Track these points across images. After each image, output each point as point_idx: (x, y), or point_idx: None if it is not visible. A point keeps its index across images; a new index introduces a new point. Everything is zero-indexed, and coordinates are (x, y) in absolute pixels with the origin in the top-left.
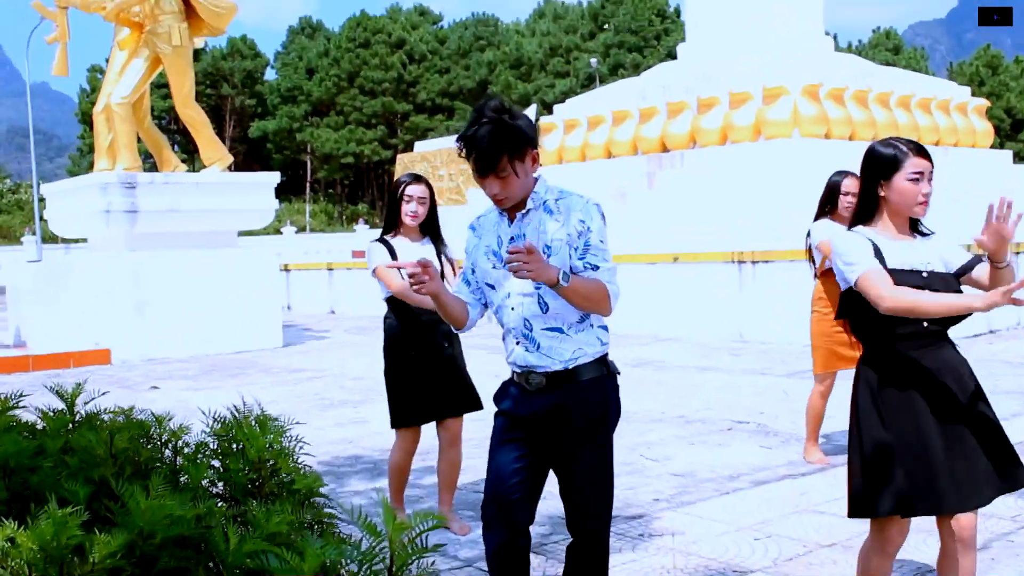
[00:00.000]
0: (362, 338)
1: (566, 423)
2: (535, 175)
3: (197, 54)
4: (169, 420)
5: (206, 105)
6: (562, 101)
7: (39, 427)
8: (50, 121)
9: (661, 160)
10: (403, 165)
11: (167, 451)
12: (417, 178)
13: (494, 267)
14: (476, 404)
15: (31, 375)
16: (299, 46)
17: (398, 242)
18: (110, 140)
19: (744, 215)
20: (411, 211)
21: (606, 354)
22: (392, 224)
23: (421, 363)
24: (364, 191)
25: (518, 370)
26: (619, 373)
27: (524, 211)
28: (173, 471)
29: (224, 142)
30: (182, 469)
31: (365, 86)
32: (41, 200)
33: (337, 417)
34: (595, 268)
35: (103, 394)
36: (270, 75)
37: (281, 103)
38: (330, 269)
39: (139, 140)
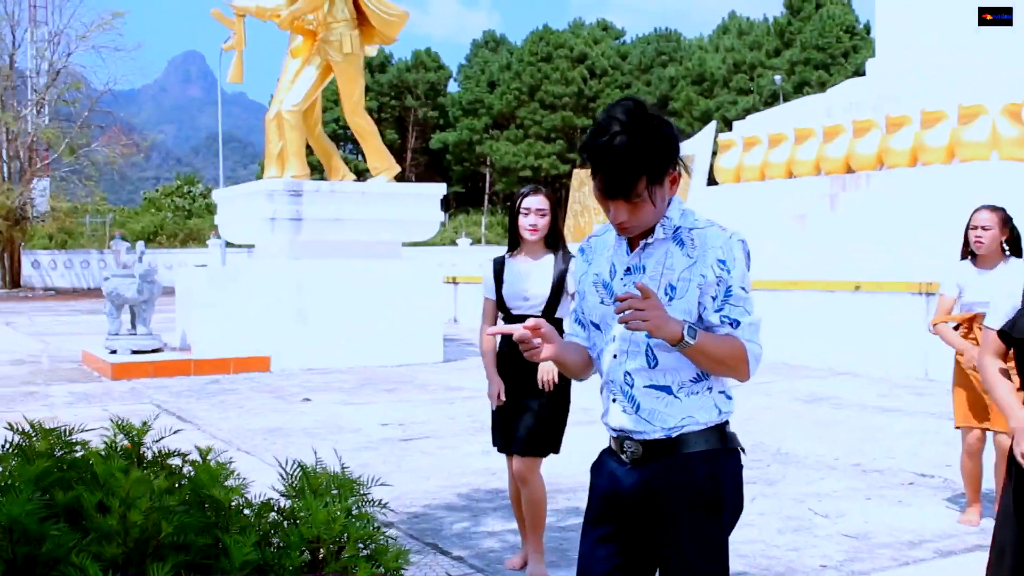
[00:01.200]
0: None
1: (662, 506)
2: (678, 201)
3: (380, 65)
4: (233, 480)
5: (390, 116)
6: (743, 119)
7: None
8: (246, 129)
9: (845, 181)
10: (580, 180)
11: (211, 513)
12: (536, 189)
13: (602, 302)
14: (539, 449)
15: (192, 379)
16: (482, 59)
17: (514, 263)
18: (280, 148)
19: (934, 243)
20: (529, 224)
21: (725, 424)
22: (514, 241)
23: (508, 390)
24: None
25: (612, 433)
26: (743, 450)
27: (650, 240)
28: (210, 545)
29: (405, 153)
30: (222, 548)
31: (545, 100)
32: None
33: (486, 443)
34: (735, 324)
35: (174, 432)
36: (452, 88)
37: (462, 115)
38: (453, 284)
39: (310, 150)
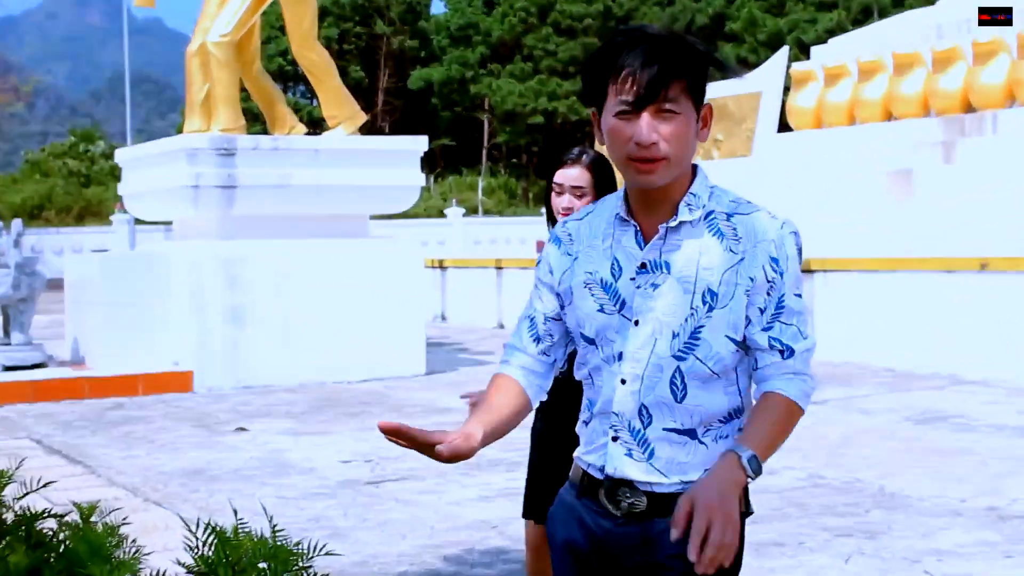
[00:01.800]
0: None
1: (665, 572)
2: (705, 175)
3: None
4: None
5: (354, 47)
6: (825, 42)
7: None
8: (163, 66)
9: (964, 123)
10: None
11: None
12: (577, 156)
13: (601, 309)
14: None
15: (86, 404)
16: None
17: None
18: (205, 91)
19: None
20: (563, 207)
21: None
22: (553, 222)
23: (552, 444)
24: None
25: (598, 475)
26: (751, 512)
27: (672, 222)
28: None
29: (375, 96)
30: None
31: (561, 23)
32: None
33: (484, 486)
34: (786, 352)
35: (45, 485)
36: (437, 8)
37: (451, 45)
38: (499, 268)
39: (245, 93)
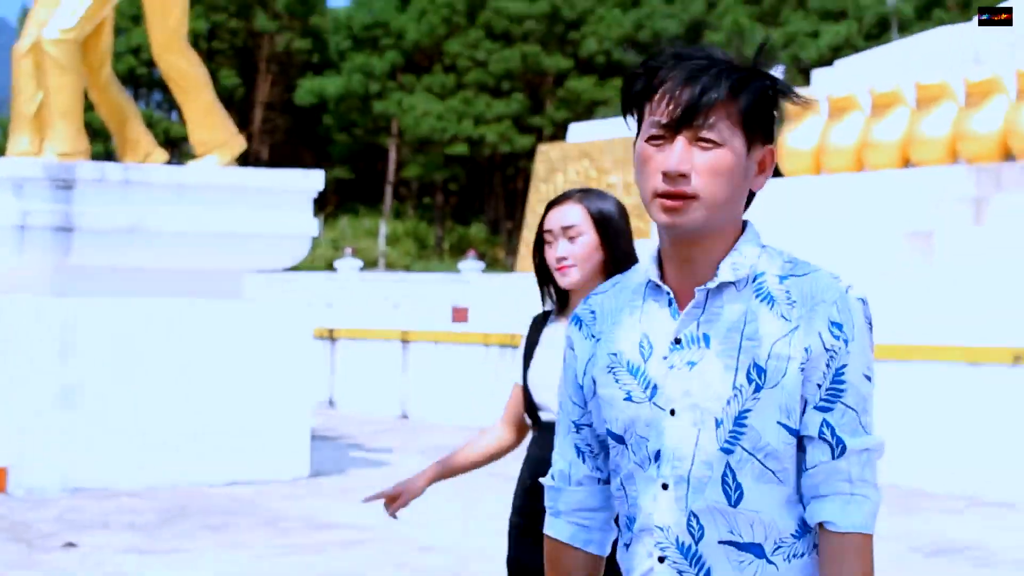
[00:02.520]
0: None
1: None
2: (756, 231)
3: None
4: None
5: (228, 46)
6: (829, 63)
7: None
8: None
9: (1000, 174)
10: (548, 164)
11: None
12: (566, 195)
13: (629, 397)
14: None
15: None
16: None
17: (554, 328)
18: (38, 103)
19: None
20: (557, 257)
21: None
22: (559, 293)
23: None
24: (483, 203)
25: None
26: None
27: (711, 284)
28: None
29: (251, 110)
30: None
31: (495, 25)
32: None
33: None
34: (838, 447)
35: None
36: (337, 1)
37: (352, 50)
38: (406, 341)
39: (89, 105)
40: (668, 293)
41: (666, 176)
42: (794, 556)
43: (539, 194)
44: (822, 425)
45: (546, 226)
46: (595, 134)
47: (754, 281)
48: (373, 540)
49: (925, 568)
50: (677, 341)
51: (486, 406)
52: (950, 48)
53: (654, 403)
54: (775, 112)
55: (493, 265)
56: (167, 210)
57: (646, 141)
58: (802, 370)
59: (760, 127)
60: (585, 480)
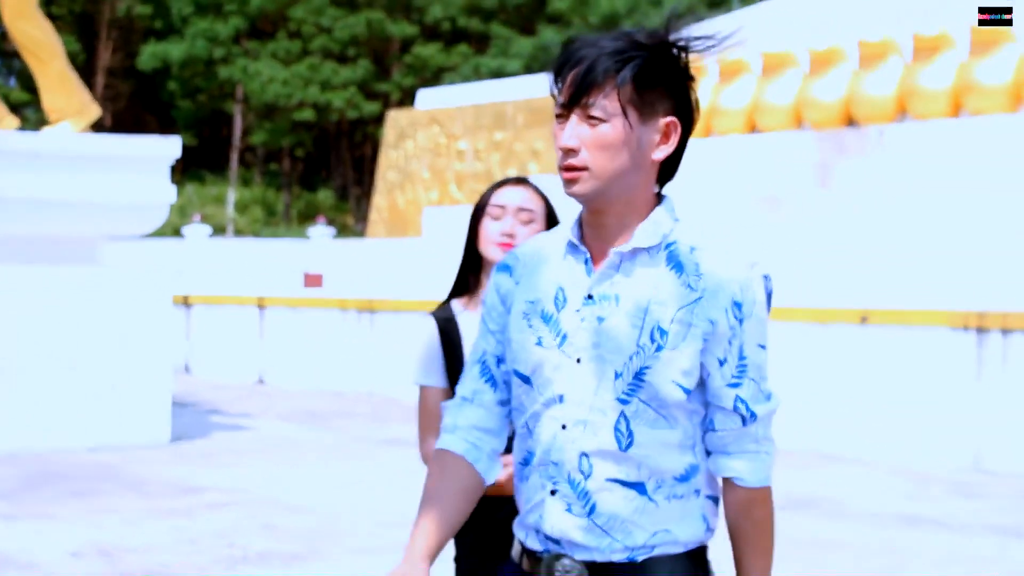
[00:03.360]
0: (311, 434)
1: None
2: (671, 203)
3: None
4: None
5: (68, 11)
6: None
7: None
8: None
9: (843, 140)
10: (397, 130)
11: None
12: (522, 179)
13: (539, 343)
14: None
15: None
16: None
17: (473, 318)
18: None
19: (993, 244)
20: (503, 232)
21: (707, 547)
22: (468, 275)
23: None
24: (331, 169)
25: (538, 547)
26: None
27: (626, 250)
28: None
29: (94, 76)
30: None
31: None
32: None
33: None
34: (749, 416)
35: None
36: None
37: (195, 15)
38: (262, 307)
39: None
40: (586, 253)
41: (561, 151)
42: (674, 496)
43: (388, 160)
44: (736, 400)
45: (499, 201)
46: (445, 101)
47: (666, 248)
48: (240, 502)
49: (781, 520)
50: (590, 297)
51: (343, 371)
52: (794, 18)
53: (562, 350)
54: (671, 84)
55: (343, 231)
56: (22, 177)
57: (555, 119)
58: (705, 340)
59: (654, 100)
60: (487, 403)
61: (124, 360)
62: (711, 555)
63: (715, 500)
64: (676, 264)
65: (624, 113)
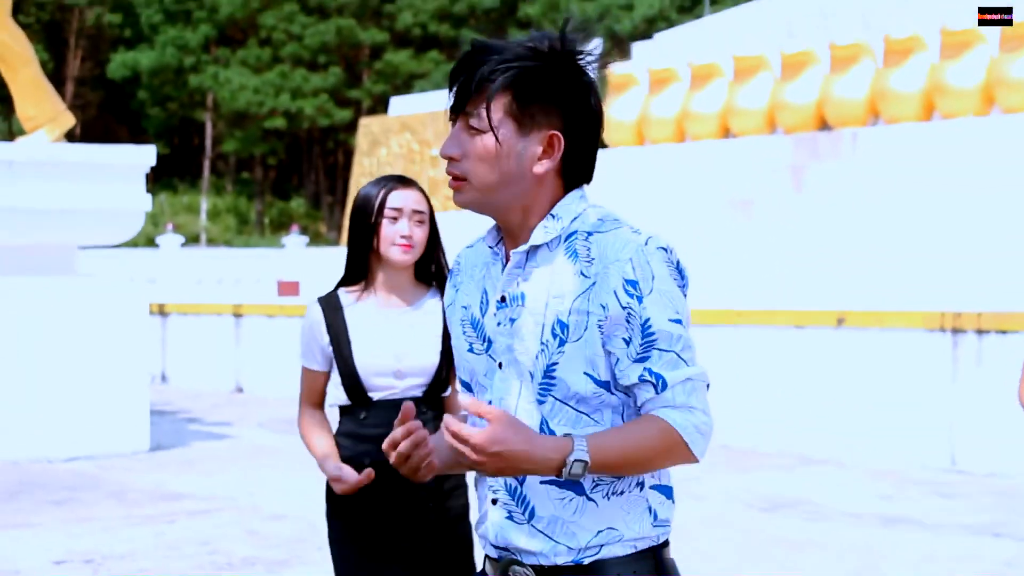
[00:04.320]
0: (288, 440)
1: None
2: (579, 194)
3: None
4: None
5: (36, 20)
6: (647, 35)
7: None
8: None
9: (817, 143)
10: (370, 137)
11: None
12: (405, 180)
13: (471, 349)
14: None
15: None
16: None
17: (365, 309)
18: None
19: (966, 245)
20: (403, 235)
21: (664, 544)
22: (359, 268)
23: (383, 531)
24: (303, 177)
25: (492, 554)
26: None
27: (523, 248)
28: None
29: (64, 85)
30: None
31: (309, 0)
32: None
33: None
34: (660, 383)
35: None
36: None
37: (165, 23)
38: (238, 315)
39: None
40: (501, 256)
41: (443, 158)
42: (613, 493)
43: (362, 168)
44: (642, 372)
45: (395, 204)
46: (416, 107)
47: (566, 240)
48: (222, 509)
49: (760, 522)
50: (502, 299)
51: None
52: (765, 22)
53: (489, 355)
54: (557, 96)
55: (315, 239)
56: None
57: (449, 119)
58: (599, 325)
59: (535, 112)
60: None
61: (101, 369)
62: (672, 554)
63: (664, 490)
64: (572, 253)
65: (500, 127)
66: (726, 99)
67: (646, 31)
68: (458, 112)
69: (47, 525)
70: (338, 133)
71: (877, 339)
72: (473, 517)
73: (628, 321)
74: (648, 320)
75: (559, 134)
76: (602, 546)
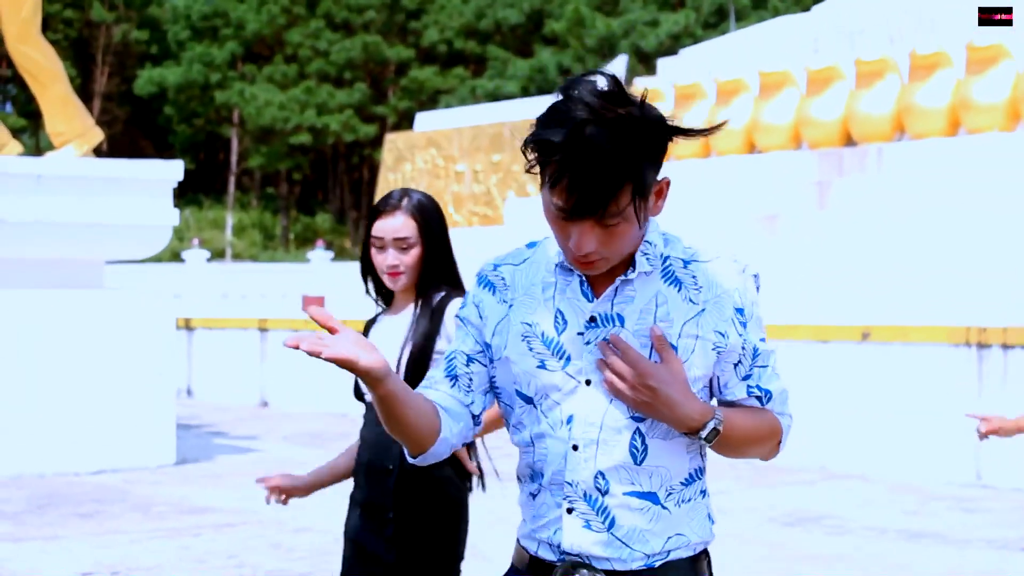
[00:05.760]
0: (314, 453)
1: None
2: (656, 219)
3: None
4: None
5: (64, 37)
6: (672, 51)
7: None
8: None
9: (842, 159)
10: (395, 152)
11: None
12: (397, 203)
13: (542, 365)
14: None
15: None
16: None
17: (377, 327)
18: None
19: (992, 262)
20: (388, 264)
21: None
22: (379, 288)
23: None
24: (328, 193)
25: (551, 555)
26: None
27: (630, 275)
28: None
29: (91, 101)
30: None
31: (336, 16)
32: None
33: None
34: (766, 396)
35: None
36: None
37: (192, 40)
38: (264, 329)
39: None
40: (580, 276)
41: (576, 250)
42: (683, 501)
43: (387, 183)
44: (748, 388)
45: (377, 233)
46: (442, 123)
47: (664, 266)
48: (247, 523)
49: (783, 536)
50: (592, 320)
51: (346, 393)
52: (791, 37)
53: (566, 372)
54: (658, 157)
55: (340, 254)
56: (26, 201)
57: (551, 211)
58: (717, 350)
59: (651, 179)
60: (443, 391)
61: (128, 383)
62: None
63: (709, 496)
64: (674, 280)
65: (636, 210)
66: (751, 115)
67: (671, 48)
68: (588, 216)
69: (74, 538)
70: (363, 148)
71: (902, 354)
72: (478, 513)
73: (742, 348)
74: (753, 344)
75: (668, 179)
76: (671, 551)
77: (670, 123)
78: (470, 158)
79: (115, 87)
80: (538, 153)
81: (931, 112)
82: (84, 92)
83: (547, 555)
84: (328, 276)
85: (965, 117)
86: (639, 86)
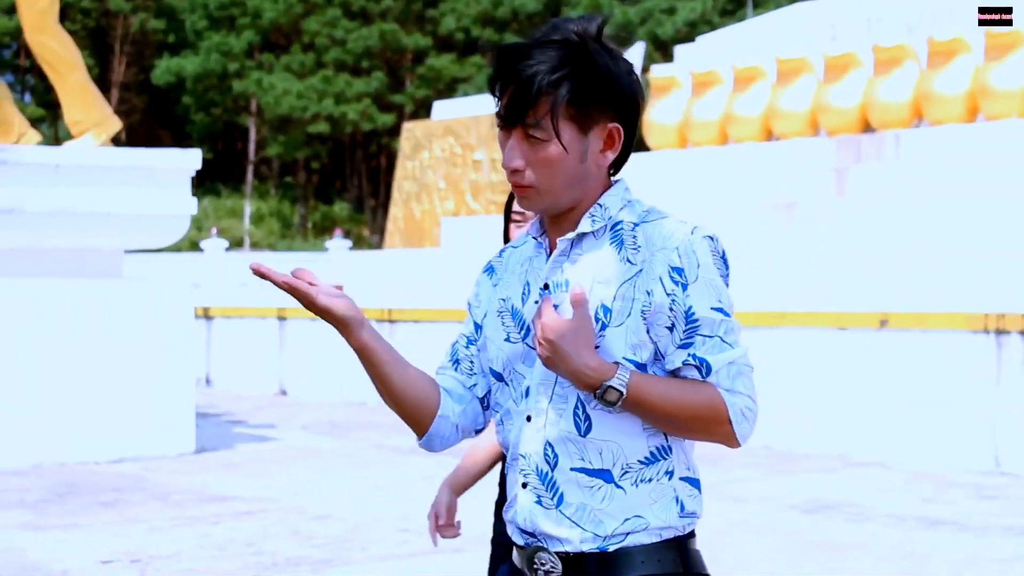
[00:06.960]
0: (333, 442)
1: None
2: (615, 178)
3: None
4: None
5: (81, 27)
6: (689, 39)
7: None
8: None
9: (860, 146)
10: (413, 141)
11: None
12: None
13: (507, 338)
14: None
15: None
16: None
17: None
18: None
19: (1010, 247)
20: None
21: (690, 535)
22: None
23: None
24: (346, 181)
25: (519, 540)
26: None
27: (571, 236)
28: None
29: (109, 91)
30: None
31: (353, 4)
32: None
33: None
34: (704, 367)
35: None
36: None
37: (209, 29)
38: (283, 318)
39: None
40: (545, 245)
41: (506, 169)
42: (642, 481)
43: (405, 171)
44: (686, 356)
45: (519, 208)
46: (460, 111)
47: (612, 229)
48: (267, 510)
49: (803, 524)
50: (546, 286)
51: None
52: (808, 24)
53: (527, 342)
54: (608, 91)
55: (358, 243)
56: (45, 191)
57: (498, 129)
58: (643, 312)
59: (593, 111)
60: (450, 376)
61: (147, 371)
62: (698, 546)
63: (693, 482)
64: (618, 242)
65: (563, 132)
66: (769, 101)
67: (688, 35)
68: (514, 123)
69: (94, 526)
70: (381, 137)
71: (920, 341)
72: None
73: (671, 309)
74: (691, 308)
75: (618, 126)
76: (628, 534)
77: (620, 78)
78: (488, 146)
79: (133, 76)
80: (493, 66)
81: (949, 98)
82: (102, 82)
83: (517, 539)
84: (346, 265)
85: (983, 103)
86: (655, 74)
